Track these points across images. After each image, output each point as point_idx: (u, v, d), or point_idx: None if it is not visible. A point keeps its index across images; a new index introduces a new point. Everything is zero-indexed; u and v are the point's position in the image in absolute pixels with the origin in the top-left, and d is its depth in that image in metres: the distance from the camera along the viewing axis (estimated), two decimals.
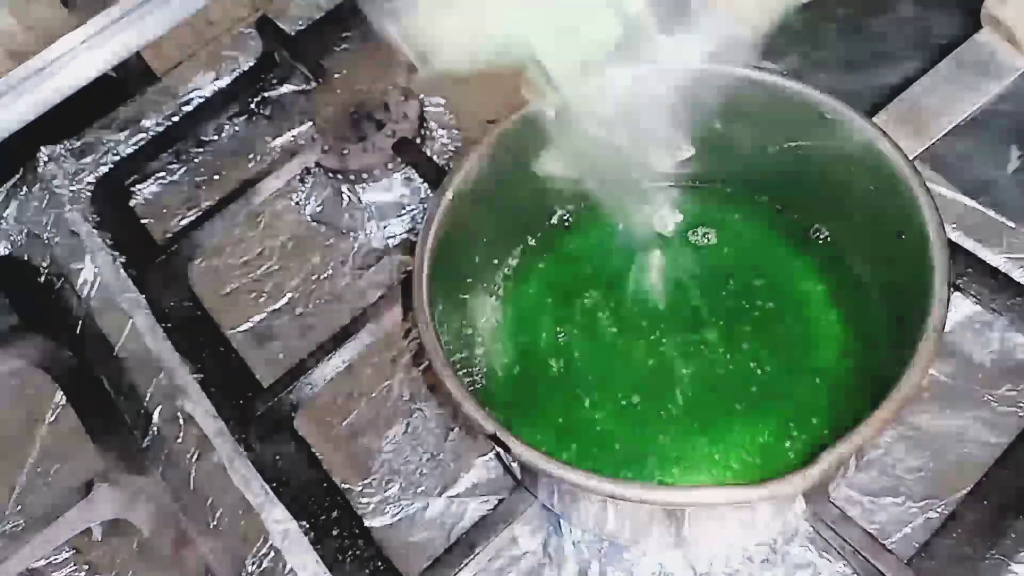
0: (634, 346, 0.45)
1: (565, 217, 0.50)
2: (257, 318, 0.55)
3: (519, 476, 0.43)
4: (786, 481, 0.32)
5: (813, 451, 0.33)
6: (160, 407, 0.51)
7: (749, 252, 0.47)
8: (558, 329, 0.47)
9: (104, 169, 0.64)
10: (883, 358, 0.40)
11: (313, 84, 0.66)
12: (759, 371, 0.44)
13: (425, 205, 0.57)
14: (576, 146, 0.47)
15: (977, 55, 0.43)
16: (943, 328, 0.35)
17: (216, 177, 0.64)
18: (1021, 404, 0.44)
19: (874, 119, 0.41)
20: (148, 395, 0.51)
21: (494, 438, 0.35)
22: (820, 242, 0.46)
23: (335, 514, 0.46)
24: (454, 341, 0.43)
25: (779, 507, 0.38)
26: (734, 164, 0.48)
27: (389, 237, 0.57)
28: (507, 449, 0.35)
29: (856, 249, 0.44)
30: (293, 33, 0.68)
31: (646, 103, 0.46)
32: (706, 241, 0.48)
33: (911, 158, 0.39)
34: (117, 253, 0.58)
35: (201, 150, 0.66)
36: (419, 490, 0.47)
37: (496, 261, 0.48)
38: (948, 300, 0.35)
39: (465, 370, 0.44)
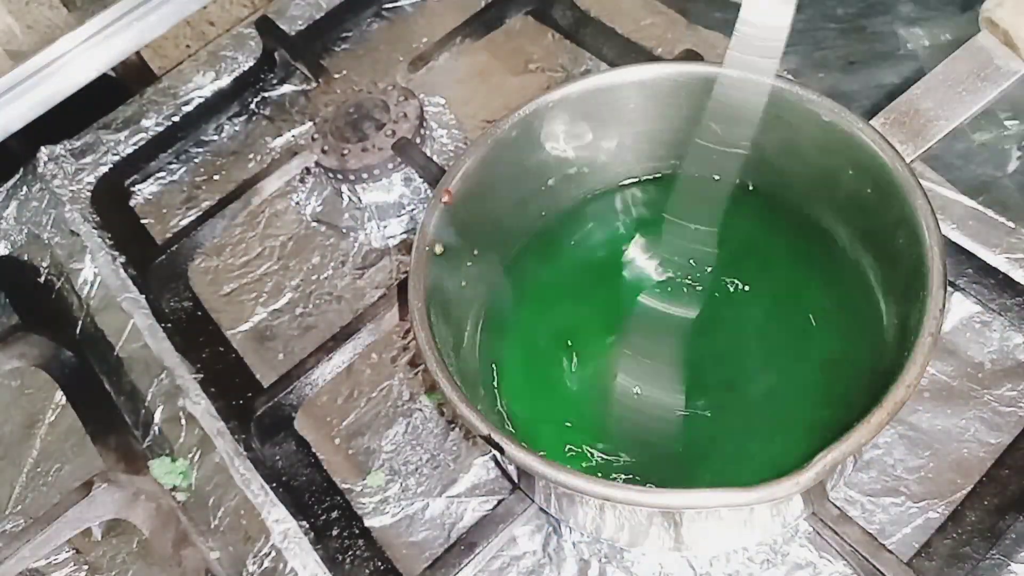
0: (631, 346, 0.45)
1: (561, 217, 0.50)
2: (257, 318, 0.55)
3: (515, 479, 0.43)
4: (780, 484, 0.32)
5: (813, 453, 0.33)
6: (160, 407, 0.51)
7: (746, 253, 0.47)
8: (555, 329, 0.47)
9: (104, 169, 0.64)
10: (884, 360, 0.40)
11: (313, 84, 0.66)
12: (757, 372, 0.44)
13: (425, 205, 0.57)
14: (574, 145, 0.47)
15: (975, 58, 0.43)
16: (939, 331, 0.35)
17: (216, 177, 0.64)
18: (1021, 404, 0.44)
19: (871, 122, 0.41)
20: (148, 395, 0.52)
21: (488, 440, 0.35)
22: (819, 243, 0.46)
23: (335, 514, 0.46)
24: (449, 341, 0.43)
25: (777, 508, 0.38)
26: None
27: (389, 237, 0.57)
28: (501, 451, 0.35)
29: (855, 251, 0.44)
30: (293, 33, 0.68)
31: (643, 103, 0.46)
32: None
33: (908, 161, 0.39)
34: (117, 253, 0.58)
35: (201, 150, 0.66)
36: (419, 490, 0.47)
37: (493, 261, 0.48)
38: (944, 303, 0.35)
39: (460, 369, 0.44)
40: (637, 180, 0.50)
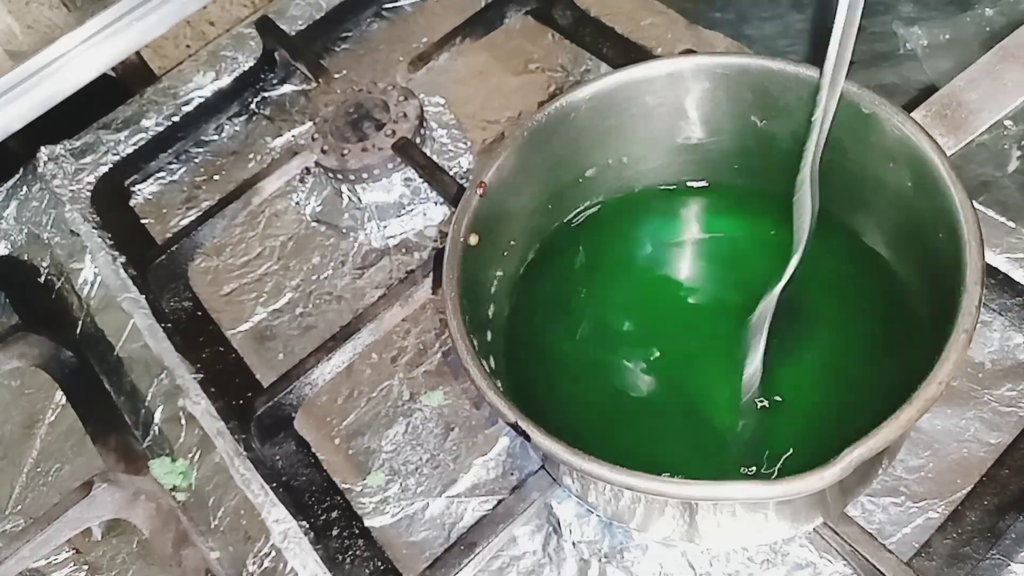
0: (657, 342, 0.45)
1: (592, 210, 0.49)
2: (257, 318, 0.55)
3: (541, 461, 0.43)
4: (805, 479, 0.32)
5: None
6: (160, 407, 0.51)
7: (783, 248, 0.47)
8: (577, 322, 0.46)
9: (104, 169, 0.64)
10: (920, 358, 0.40)
11: (313, 84, 0.66)
12: (793, 371, 0.43)
13: (425, 206, 0.57)
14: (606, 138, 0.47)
15: (1021, 48, 0.41)
16: (974, 328, 0.34)
17: (216, 177, 0.64)
18: (1021, 404, 0.44)
19: (913, 114, 0.40)
20: (148, 395, 0.52)
21: (515, 427, 0.35)
22: (856, 238, 0.45)
23: (335, 514, 0.46)
24: (472, 328, 0.42)
25: (799, 506, 0.38)
26: (769, 158, 0.47)
27: (389, 237, 0.57)
28: (528, 438, 0.35)
29: (893, 246, 0.44)
30: (293, 33, 0.68)
31: (681, 95, 0.45)
32: (739, 236, 0.48)
33: (949, 154, 0.39)
34: (117, 253, 0.58)
35: (201, 150, 0.66)
36: (419, 490, 0.47)
37: (520, 252, 0.48)
38: (980, 299, 0.34)
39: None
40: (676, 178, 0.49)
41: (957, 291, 0.35)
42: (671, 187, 0.49)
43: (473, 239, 0.42)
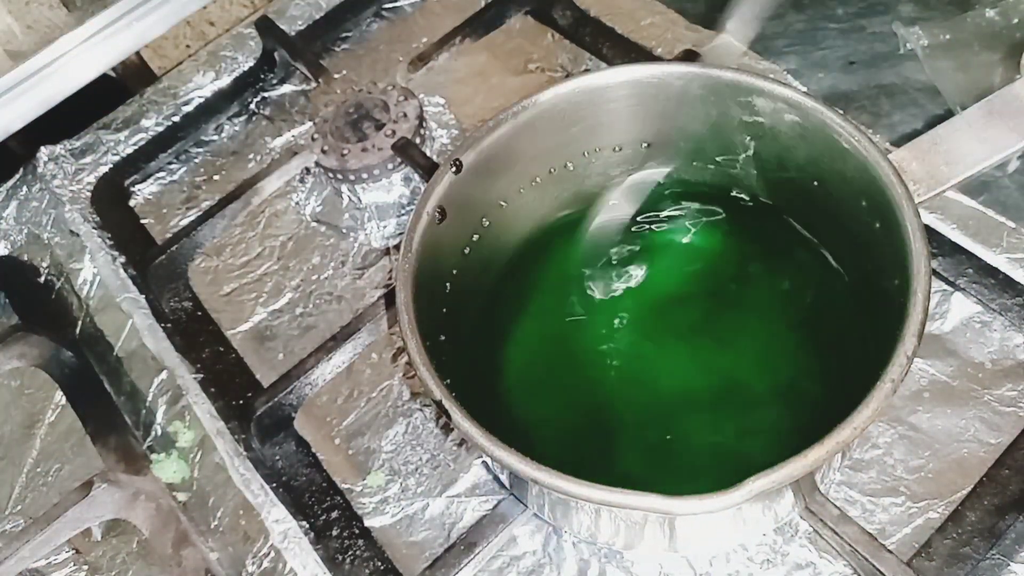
0: (617, 345, 0.45)
1: (578, 202, 0.50)
2: (257, 318, 0.55)
3: (508, 484, 0.43)
4: (712, 498, 0.32)
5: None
6: (161, 407, 0.51)
7: (745, 263, 0.47)
8: (541, 328, 0.47)
9: (104, 169, 0.64)
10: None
11: (313, 84, 0.66)
12: (746, 376, 0.43)
13: None
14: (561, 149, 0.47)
15: (1009, 106, 0.42)
16: (902, 379, 0.34)
17: (216, 177, 0.64)
18: (1021, 404, 0.44)
19: (893, 155, 0.40)
20: (148, 395, 0.52)
21: (439, 404, 0.35)
22: (821, 258, 0.46)
23: (335, 514, 0.46)
24: (448, 318, 0.42)
25: (768, 503, 0.38)
26: (737, 168, 0.47)
27: (389, 237, 0.57)
28: (449, 417, 0.35)
29: (852, 275, 0.44)
30: (293, 33, 0.68)
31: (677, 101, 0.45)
32: (697, 242, 0.48)
33: (919, 201, 0.39)
34: (117, 253, 0.58)
35: (201, 150, 0.66)
36: (419, 490, 0.47)
37: (503, 238, 0.48)
38: (915, 352, 0.34)
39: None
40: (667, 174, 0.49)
41: (896, 336, 0.35)
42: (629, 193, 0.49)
43: (437, 215, 0.42)
